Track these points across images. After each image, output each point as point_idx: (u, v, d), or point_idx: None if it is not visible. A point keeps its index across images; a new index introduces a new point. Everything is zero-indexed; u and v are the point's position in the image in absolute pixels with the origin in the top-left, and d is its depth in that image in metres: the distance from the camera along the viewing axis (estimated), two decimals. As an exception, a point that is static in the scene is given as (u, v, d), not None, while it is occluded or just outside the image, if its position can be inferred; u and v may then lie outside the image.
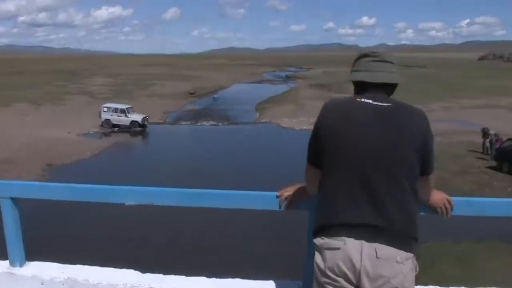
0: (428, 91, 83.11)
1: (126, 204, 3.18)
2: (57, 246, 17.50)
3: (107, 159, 37.93)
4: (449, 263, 17.64)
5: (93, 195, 3.31)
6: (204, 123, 55.46)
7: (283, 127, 53.05)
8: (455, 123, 50.69)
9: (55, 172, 32.80)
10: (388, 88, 2.81)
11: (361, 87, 2.80)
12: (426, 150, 2.65)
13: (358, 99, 2.71)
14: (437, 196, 2.96)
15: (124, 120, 51.27)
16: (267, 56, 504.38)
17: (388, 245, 2.53)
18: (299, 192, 3.10)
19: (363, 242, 2.54)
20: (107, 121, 51.17)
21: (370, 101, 2.68)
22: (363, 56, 2.88)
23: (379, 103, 2.66)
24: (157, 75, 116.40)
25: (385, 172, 2.58)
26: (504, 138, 34.57)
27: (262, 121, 57.19)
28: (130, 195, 3.21)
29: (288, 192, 3.12)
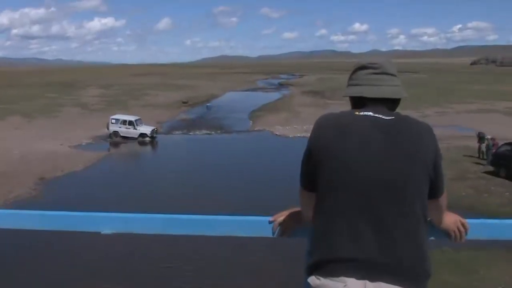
0: (422, 97, 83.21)
1: (103, 233, 2.82)
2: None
3: (100, 171, 37.48)
4: (451, 271, 17.31)
5: (66, 223, 2.93)
6: (197, 132, 55.21)
7: (277, 134, 52.89)
8: (450, 128, 50.70)
9: (48, 185, 32.43)
10: (390, 104, 2.49)
11: (359, 103, 2.49)
12: (436, 170, 2.33)
13: (357, 113, 2.41)
14: (450, 219, 2.63)
15: (132, 132, 50.50)
16: (260, 64, 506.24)
17: (396, 285, 2.16)
18: (295, 218, 2.73)
19: (367, 282, 2.17)
20: (115, 133, 50.56)
21: (370, 113, 2.37)
22: (361, 68, 2.57)
23: (381, 116, 2.35)
24: (150, 85, 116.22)
25: (390, 196, 2.24)
26: (500, 143, 34.44)
27: (256, 129, 57.04)
28: (107, 223, 2.85)
29: (282, 217, 2.76)
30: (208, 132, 55.46)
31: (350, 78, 2.60)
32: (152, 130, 51.28)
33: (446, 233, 2.65)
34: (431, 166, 2.30)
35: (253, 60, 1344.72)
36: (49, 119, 61.87)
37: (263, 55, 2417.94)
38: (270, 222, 2.75)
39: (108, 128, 50.90)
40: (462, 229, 2.63)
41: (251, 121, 62.77)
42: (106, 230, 2.83)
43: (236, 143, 49.19)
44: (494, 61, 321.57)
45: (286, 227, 2.75)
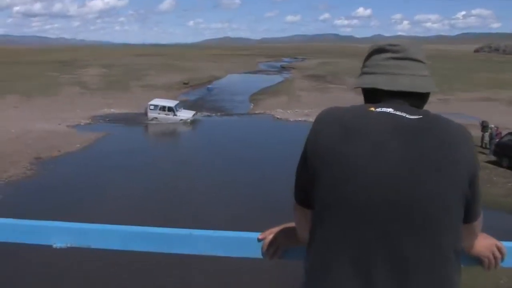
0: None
1: (55, 246, 2.32)
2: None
3: (97, 152, 36.91)
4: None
5: (10, 234, 2.42)
6: (198, 113, 54.18)
7: (278, 118, 52.42)
8: (453, 116, 49.37)
9: (44, 165, 32.02)
10: (416, 99, 1.94)
11: (375, 97, 1.96)
12: (473, 188, 1.79)
13: (372, 108, 1.87)
14: (483, 243, 2.10)
15: (172, 119, 48.95)
16: (262, 46, 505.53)
17: None
18: (289, 236, 2.23)
19: None
20: (155, 119, 49.32)
21: (390, 110, 1.84)
22: (378, 51, 2.03)
23: (404, 114, 1.82)
24: (152, 66, 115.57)
25: (411, 223, 1.70)
26: (503, 132, 34.09)
27: (257, 112, 56.57)
28: (60, 235, 2.35)
29: (274, 234, 2.25)
30: (209, 114, 54.86)
31: (364, 65, 2.07)
32: (194, 115, 50.13)
33: (477, 259, 2.14)
34: (467, 183, 1.76)
35: (255, 43, 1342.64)
36: (48, 98, 61.28)
37: (265, 38, 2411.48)
38: (259, 240, 2.26)
39: (146, 115, 49.56)
40: (498, 254, 2.12)
41: (252, 104, 62.33)
42: (59, 243, 2.33)
43: (236, 126, 48.82)
44: (497, 49, 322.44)
45: (278, 247, 2.25)
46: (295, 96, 65.37)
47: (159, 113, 49.20)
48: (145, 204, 23.78)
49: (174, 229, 2.36)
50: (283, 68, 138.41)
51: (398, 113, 1.82)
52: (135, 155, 35.07)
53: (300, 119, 49.47)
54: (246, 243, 2.29)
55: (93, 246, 2.36)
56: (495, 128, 35.15)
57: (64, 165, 32.23)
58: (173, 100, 53.04)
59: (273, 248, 2.24)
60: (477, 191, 1.82)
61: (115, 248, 2.36)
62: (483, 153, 34.24)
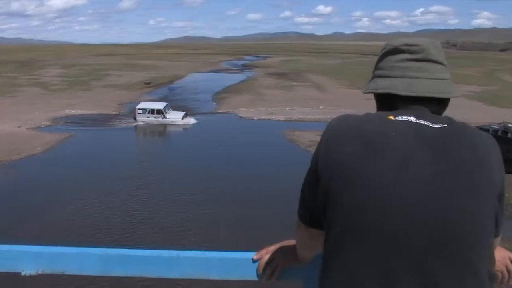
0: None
1: (23, 274, 2.05)
2: None
3: (59, 155, 36.11)
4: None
5: None
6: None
7: (241, 117, 52.11)
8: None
9: (3, 169, 31.21)
10: (436, 106, 1.73)
11: (390, 104, 1.75)
12: (502, 203, 1.60)
13: (391, 117, 1.64)
14: (496, 256, 1.78)
15: (163, 121, 47.97)
16: (224, 45, 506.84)
17: None
18: (288, 255, 2.05)
19: None
20: (144, 123, 48.25)
21: (411, 118, 1.61)
22: (394, 51, 1.80)
23: (427, 123, 1.60)
24: (113, 65, 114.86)
25: (451, 251, 1.47)
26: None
27: (220, 111, 56.20)
28: (29, 261, 2.08)
29: (270, 254, 2.06)
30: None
31: (377, 67, 1.86)
32: (184, 116, 49.14)
33: None
34: (497, 198, 1.56)
35: (218, 41, 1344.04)
36: (7, 99, 60.22)
37: (227, 36, 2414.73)
38: (254, 261, 2.06)
39: (135, 119, 48.65)
40: (511, 268, 1.92)
41: (215, 103, 61.95)
42: (28, 270, 2.06)
43: (199, 125, 48.27)
44: (455, 45, 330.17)
45: (276, 267, 2.06)
46: (259, 95, 65.28)
47: (148, 117, 48.28)
48: (104, 213, 23.31)
49: (159, 251, 2.11)
50: (245, 67, 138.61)
51: (421, 121, 1.60)
52: (99, 158, 34.53)
53: (264, 117, 49.49)
54: (241, 264, 2.08)
55: (67, 272, 2.09)
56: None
57: (25, 169, 31.44)
58: (161, 102, 52.27)
59: (271, 269, 2.05)
60: (504, 205, 1.63)
61: (92, 273, 2.11)
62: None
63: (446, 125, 1.59)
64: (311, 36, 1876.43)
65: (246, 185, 27.42)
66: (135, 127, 47.46)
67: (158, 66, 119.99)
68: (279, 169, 30.86)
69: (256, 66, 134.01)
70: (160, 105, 49.88)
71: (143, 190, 26.44)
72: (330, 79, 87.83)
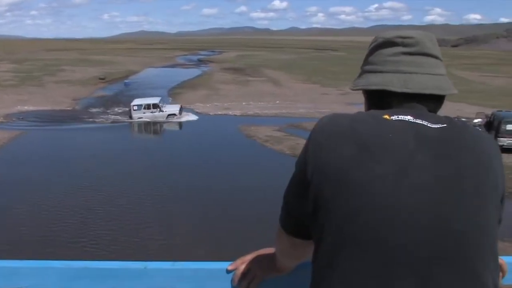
0: (342, 74, 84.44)
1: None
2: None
3: (10, 153, 35.21)
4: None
5: None
6: (116, 109, 53.16)
7: (197, 112, 51.68)
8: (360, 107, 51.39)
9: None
10: (433, 103, 1.61)
11: (382, 101, 1.60)
12: (503, 206, 1.51)
13: (387, 116, 1.51)
14: None
15: (160, 115, 47.06)
16: (179, 40, 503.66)
17: None
18: (266, 265, 1.88)
19: None
20: (140, 119, 47.10)
21: (409, 118, 1.49)
22: (386, 44, 1.66)
23: (425, 123, 1.48)
24: (66, 61, 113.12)
25: (457, 262, 1.37)
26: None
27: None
28: None
29: (246, 264, 1.90)
30: (127, 109, 53.14)
31: (367, 61, 1.71)
32: (180, 109, 48.27)
33: None
34: (500, 201, 1.48)
35: (172, 36, 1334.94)
36: (-44, 96, 58.49)
37: (182, 31, 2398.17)
38: (228, 271, 1.90)
39: (131, 117, 47.63)
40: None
41: (171, 99, 61.06)
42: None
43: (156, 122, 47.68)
44: None
45: (253, 279, 1.90)
46: (215, 90, 65.06)
47: (144, 112, 47.32)
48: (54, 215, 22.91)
49: (124, 263, 1.96)
50: (201, 62, 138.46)
51: (419, 121, 1.48)
52: (54, 156, 33.90)
53: (220, 112, 49.32)
54: (214, 275, 1.93)
55: (22, 291, 1.93)
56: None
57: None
58: (154, 97, 51.12)
59: (247, 280, 1.89)
60: (505, 206, 1.53)
61: None
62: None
63: (445, 125, 1.49)
64: (267, 31, 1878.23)
65: (202, 181, 27.24)
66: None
67: (113, 61, 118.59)
68: (236, 164, 30.83)
69: (211, 61, 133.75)
70: (155, 100, 49.13)
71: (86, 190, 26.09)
72: (286, 74, 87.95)
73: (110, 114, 47.77)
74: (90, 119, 48.02)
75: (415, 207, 1.37)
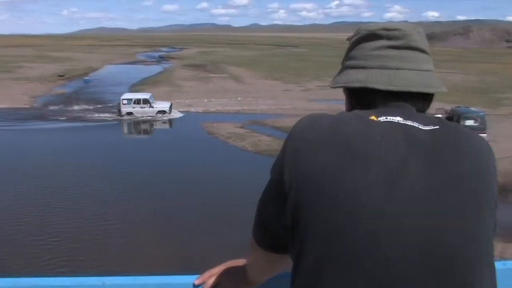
0: (303, 71, 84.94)
1: None
2: None
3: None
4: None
5: None
6: (75, 107, 52.27)
7: (159, 109, 51.16)
8: (334, 102, 51.49)
9: None
10: (419, 102, 1.46)
11: (365, 99, 1.46)
12: (496, 210, 1.38)
13: (374, 117, 1.36)
14: None
15: (149, 111, 45.97)
16: (140, 36, 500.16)
17: None
18: (235, 279, 1.72)
19: None
20: (130, 114, 46.06)
21: (398, 119, 1.36)
22: (370, 37, 1.49)
23: (415, 124, 1.35)
24: (24, 57, 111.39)
25: (450, 274, 1.25)
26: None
27: (137, 104, 54.83)
28: None
29: (215, 277, 1.73)
30: (87, 107, 52.64)
31: (348, 56, 1.55)
32: (170, 106, 47.28)
33: None
34: (495, 206, 1.37)
35: (133, 33, 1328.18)
36: None
37: (143, 28, 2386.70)
38: (195, 286, 1.73)
39: (119, 111, 46.51)
40: None
41: (132, 96, 60.56)
42: None
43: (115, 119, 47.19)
44: None
45: None
46: (176, 86, 64.65)
47: (133, 107, 46.30)
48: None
49: (80, 279, 1.74)
50: (162, 58, 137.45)
51: (409, 122, 1.35)
52: (12, 158, 33.10)
53: (182, 109, 48.89)
54: None
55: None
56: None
57: None
58: (145, 93, 50.36)
59: None
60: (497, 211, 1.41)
61: None
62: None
63: (437, 126, 1.36)
64: (228, 27, 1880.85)
65: (165, 177, 26.99)
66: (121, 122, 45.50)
67: (72, 58, 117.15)
68: (198, 161, 30.62)
69: (173, 58, 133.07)
70: (145, 95, 48.40)
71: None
72: (248, 70, 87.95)
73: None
74: (52, 117, 46.98)
75: (408, 220, 1.24)
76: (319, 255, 1.27)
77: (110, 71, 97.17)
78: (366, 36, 1.49)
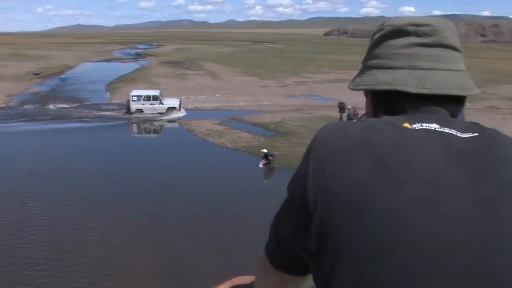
0: (281, 66, 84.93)
1: None
2: None
3: None
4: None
5: None
6: (51, 106, 51.48)
7: (137, 107, 50.80)
8: (311, 97, 51.88)
9: None
10: (454, 105, 1.34)
11: (394, 104, 1.34)
12: None
13: (407, 124, 1.23)
14: None
15: (159, 108, 44.87)
16: (116, 33, 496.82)
17: None
18: None
19: None
20: (139, 111, 44.97)
21: (435, 126, 1.23)
22: (397, 33, 1.37)
23: (453, 132, 1.22)
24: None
25: None
26: (360, 112, 34.99)
27: (114, 101, 54.31)
28: None
29: None
30: (64, 106, 51.82)
31: (372, 54, 1.43)
32: (180, 103, 46.31)
33: None
34: None
35: (109, 30, 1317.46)
36: None
37: (119, 25, 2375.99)
38: None
39: (128, 108, 45.46)
40: None
41: (109, 93, 60.18)
42: None
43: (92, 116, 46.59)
44: (345, 32, 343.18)
45: None
46: (154, 84, 64.06)
47: (143, 104, 45.24)
48: None
49: None
50: (139, 55, 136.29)
51: (446, 130, 1.22)
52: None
53: (159, 107, 48.62)
54: None
55: None
56: (353, 109, 36.03)
57: None
58: (154, 90, 49.26)
59: None
60: None
61: None
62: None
63: (477, 133, 1.22)
64: (205, 24, 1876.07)
65: (144, 175, 26.80)
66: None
67: (48, 56, 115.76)
68: (178, 159, 30.49)
69: (149, 55, 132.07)
70: (155, 92, 47.38)
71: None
72: (225, 67, 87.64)
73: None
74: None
75: (452, 241, 1.09)
76: (351, 279, 1.14)
77: (86, 68, 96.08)
78: (391, 33, 1.38)
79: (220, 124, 39.62)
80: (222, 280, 1.67)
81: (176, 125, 41.32)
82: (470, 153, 1.17)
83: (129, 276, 16.07)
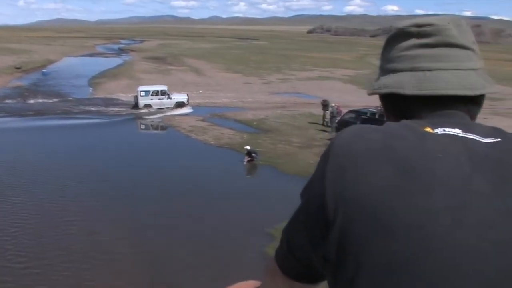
0: (264, 63, 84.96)
1: None
2: None
3: None
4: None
5: None
6: (32, 101, 51.06)
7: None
8: (294, 95, 51.97)
9: None
10: (470, 107, 1.29)
11: (398, 106, 1.33)
12: None
13: (429, 129, 1.19)
14: None
15: (167, 102, 44.64)
16: (99, 28, 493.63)
17: None
18: None
19: None
20: (148, 106, 44.59)
21: (457, 131, 1.18)
22: (400, 36, 1.36)
23: (475, 137, 1.17)
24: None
25: None
26: (343, 110, 35.21)
27: (97, 96, 53.96)
28: None
29: None
30: (45, 100, 51.39)
31: (382, 58, 1.41)
32: (188, 98, 46.14)
33: None
34: None
35: (92, 25, 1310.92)
36: None
37: (102, 19, 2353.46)
38: None
39: (136, 104, 45.11)
40: None
41: (91, 88, 59.69)
42: None
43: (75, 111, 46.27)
44: (328, 30, 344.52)
45: None
46: (136, 79, 63.83)
47: (152, 99, 44.99)
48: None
49: None
50: (121, 51, 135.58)
51: (469, 135, 1.17)
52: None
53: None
54: None
55: None
56: (336, 106, 36.14)
57: None
58: (161, 85, 48.76)
59: None
60: None
61: None
62: (325, 131, 35.27)
63: (499, 139, 1.17)
64: (188, 20, 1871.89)
65: (126, 171, 26.72)
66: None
67: (29, 49, 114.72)
68: (162, 155, 30.43)
69: (132, 50, 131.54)
70: (162, 86, 47.00)
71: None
72: (208, 63, 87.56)
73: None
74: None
75: (480, 251, 1.04)
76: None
77: (68, 63, 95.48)
78: (396, 35, 1.37)
79: (203, 120, 39.55)
80: (224, 285, 1.63)
81: (159, 121, 41.17)
82: (494, 159, 1.13)
83: (110, 270, 16.08)
